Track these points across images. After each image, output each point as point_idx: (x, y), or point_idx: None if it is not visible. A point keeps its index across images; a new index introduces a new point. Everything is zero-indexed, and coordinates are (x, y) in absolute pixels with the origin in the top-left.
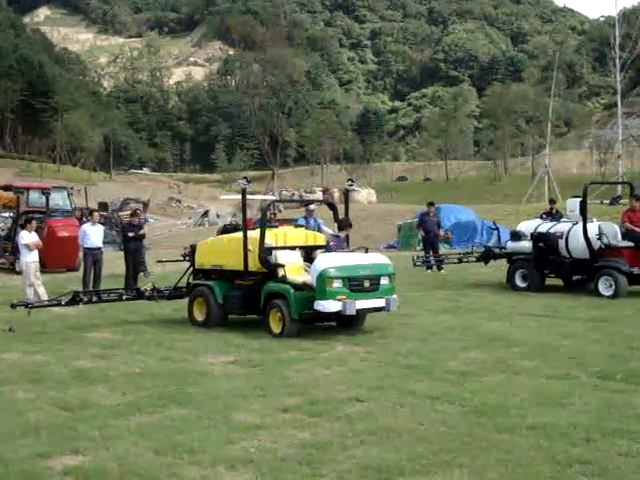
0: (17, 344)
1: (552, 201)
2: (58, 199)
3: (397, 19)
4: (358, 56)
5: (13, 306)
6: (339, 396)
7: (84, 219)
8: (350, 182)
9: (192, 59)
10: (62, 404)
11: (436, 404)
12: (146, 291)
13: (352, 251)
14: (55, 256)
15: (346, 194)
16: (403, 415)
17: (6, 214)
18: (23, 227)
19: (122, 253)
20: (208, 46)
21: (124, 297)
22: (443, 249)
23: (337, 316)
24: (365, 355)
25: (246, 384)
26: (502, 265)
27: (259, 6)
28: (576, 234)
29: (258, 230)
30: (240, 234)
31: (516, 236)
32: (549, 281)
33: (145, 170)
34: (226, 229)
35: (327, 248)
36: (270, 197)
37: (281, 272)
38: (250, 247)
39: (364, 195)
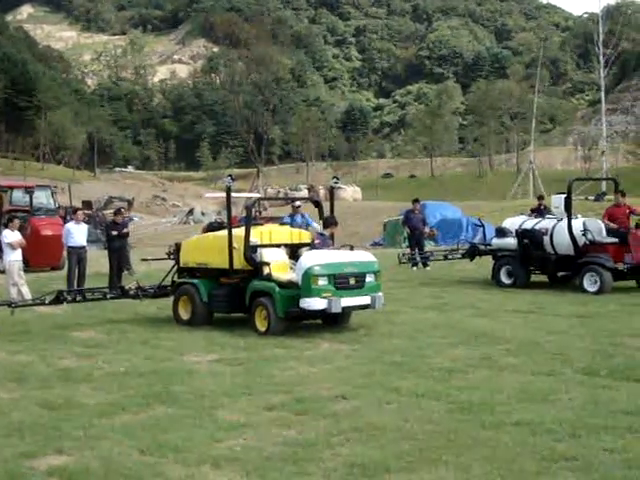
0: (0, 344)
1: (540, 197)
2: (42, 198)
3: (382, 16)
4: (343, 53)
5: None
6: (325, 394)
7: (68, 218)
8: (335, 180)
9: (176, 57)
10: (46, 404)
11: (421, 401)
12: (131, 290)
13: (337, 249)
14: (39, 255)
15: (331, 192)
16: (389, 412)
17: None
18: (6, 226)
19: (106, 252)
20: (192, 44)
21: (108, 296)
22: (428, 246)
23: (322, 314)
24: (350, 353)
25: (231, 382)
26: (487, 262)
27: (243, 3)
28: (561, 230)
29: (243, 228)
30: (225, 232)
31: (501, 233)
32: (534, 277)
33: (129, 168)
34: (211, 227)
35: (312, 246)
36: (255, 195)
37: (266, 270)
38: (235, 245)
39: (349, 192)
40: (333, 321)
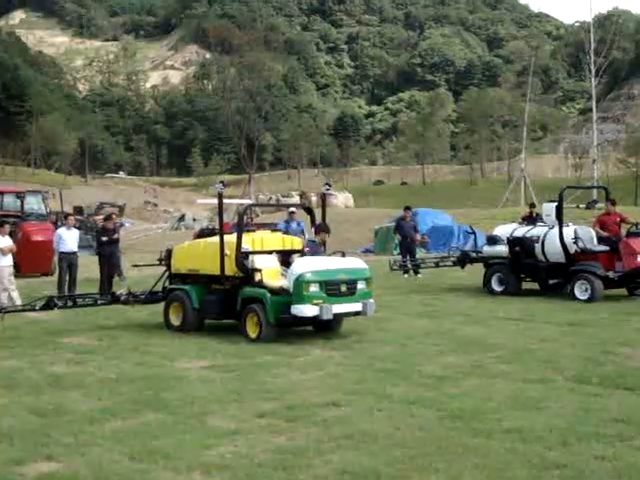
0: None
1: (532, 205)
2: (33, 203)
3: (374, 24)
4: (335, 60)
5: None
6: (315, 401)
7: (59, 223)
8: (327, 186)
9: (168, 63)
10: (36, 410)
11: (413, 408)
12: (122, 295)
13: (329, 255)
14: (30, 260)
15: (323, 198)
16: (380, 420)
17: None
18: None
19: (97, 258)
20: (185, 50)
21: (99, 302)
22: (420, 253)
23: (314, 320)
24: (342, 359)
25: (222, 389)
26: (479, 269)
27: (236, 10)
28: (552, 238)
29: (235, 234)
30: (217, 238)
31: (492, 240)
32: (525, 285)
33: (121, 174)
34: (203, 233)
35: (302, 253)
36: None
37: (258, 276)
38: (227, 251)
39: (341, 199)
40: (324, 328)
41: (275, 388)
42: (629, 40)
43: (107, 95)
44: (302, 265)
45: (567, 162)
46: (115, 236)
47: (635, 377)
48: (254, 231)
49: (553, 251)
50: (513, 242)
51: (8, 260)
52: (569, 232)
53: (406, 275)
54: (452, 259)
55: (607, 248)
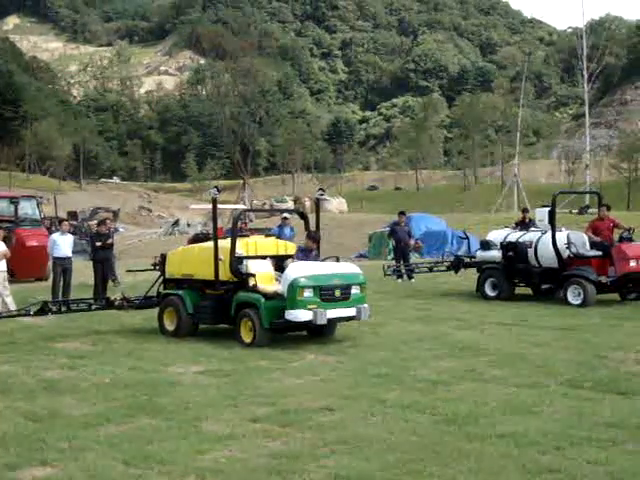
0: None
1: (525, 210)
2: (27, 208)
3: (368, 29)
4: (329, 66)
5: None
6: (310, 405)
7: (53, 228)
8: (321, 191)
9: (163, 68)
10: (30, 415)
11: (407, 413)
12: (116, 300)
13: (323, 260)
14: (24, 266)
15: (317, 203)
16: (374, 424)
17: None
18: None
19: (91, 263)
20: (179, 55)
21: (93, 307)
22: (414, 258)
23: (308, 325)
24: (336, 364)
25: (217, 394)
26: (472, 274)
27: (230, 16)
28: (545, 243)
29: (229, 239)
30: (211, 243)
31: (486, 245)
32: (519, 290)
33: (115, 179)
34: (197, 238)
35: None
36: (241, 206)
37: (252, 281)
38: (221, 256)
39: (335, 204)
40: (318, 333)
41: (269, 393)
42: (621, 46)
43: (101, 100)
44: (296, 270)
45: (560, 167)
46: (109, 241)
47: (628, 382)
48: (248, 236)
49: (546, 256)
50: (506, 247)
51: (2, 265)
52: (562, 237)
53: (400, 280)
54: (446, 264)
55: (600, 253)
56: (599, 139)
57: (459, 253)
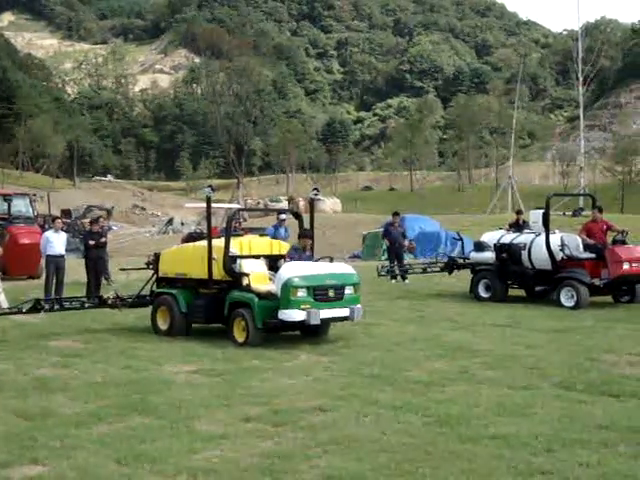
0: None
1: (519, 212)
2: (20, 206)
3: (363, 30)
4: (324, 66)
5: None
6: (302, 406)
7: (47, 226)
8: (315, 191)
9: (158, 66)
10: (22, 413)
11: (399, 414)
12: (109, 299)
13: (317, 260)
14: (16, 263)
15: (311, 203)
16: (366, 425)
17: None
18: None
19: (84, 261)
20: (174, 54)
21: (86, 305)
22: (407, 259)
23: (301, 325)
24: (329, 365)
25: (209, 393)
26: (466, 275)
27: (225, 15)
28: (539, 245)
29: (223, 239)
30: (204, 242)
31: (479, 247)
32: (512, 291)
33: (109, 177)
34: (191, 237)
35: (285, 259)
36: (235, 205)
37: (245, 281)
38: (215, 256)
39: (329, 204)
40: (312, 333)
41: (262, 393)
42: (616, 49)
43: (96, 98)
44: (290, 270)
45: (554, 169)
46: (102, 239)
47: (620, 384)
48: (242, 235)
49: (540, 258)
50: (500, 249)
51: None
52: (555, 239)
53: (394, 281)
54: (439, 265)
55: (593, 255)
56: (593, 142)
57: (453, 254)
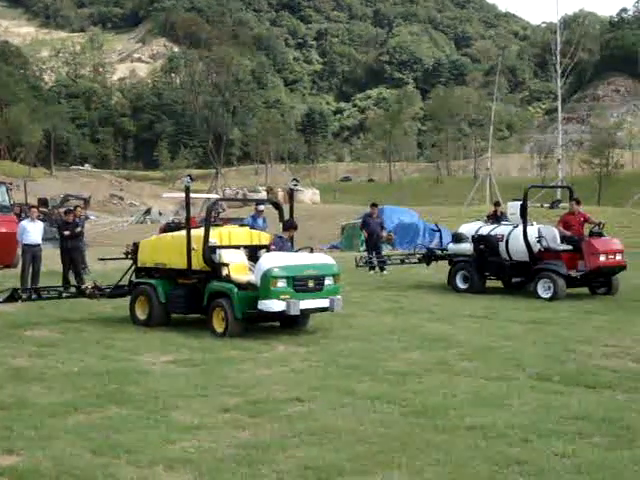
0: None
1: (497, 204)
2: None
3: (343, 20)
4: (303, 56)
5: None
6: (280, 396)
7: (23, 215)
8: (294, 182)
9: (136, 55)
10: None
11: (376, 404)
12: (87, 289)
13: (297, 251)
14: None
15: (291, 194)
16: (343, 415)
17: None
18: None
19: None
20: (152, 43)
21: (64, 295)
22: (386, 250)
23: (281, 316)
24: (307, 355)
25: (186, 384)
26: (444, 267)
27: (204, 4)
28: (516, 237)
29: (202, 229)
30: (183, 232)
31: (457, 238)
32: (489, 283)
33: (87, 166)
34: (169, 227)
35: (268, 249)
36: (214, 195)
37: (225, 271)
38: (194, 246)
39: (308, 195)
40: (291, 323)
41: (240, 383)
42: (594, 42)
43: (73, 87)
44: (269, 260)
45: (532, 161)
46: (78, 229)
47: (595, 375)
48: (221, 225)
49: (517, 250)
50: (478, 240)
51: None
52: (533, 231)
53: (372, 272)
54: (417, 256)
55: (570, 247)
56: (571, 134)
57: (431, 246)
